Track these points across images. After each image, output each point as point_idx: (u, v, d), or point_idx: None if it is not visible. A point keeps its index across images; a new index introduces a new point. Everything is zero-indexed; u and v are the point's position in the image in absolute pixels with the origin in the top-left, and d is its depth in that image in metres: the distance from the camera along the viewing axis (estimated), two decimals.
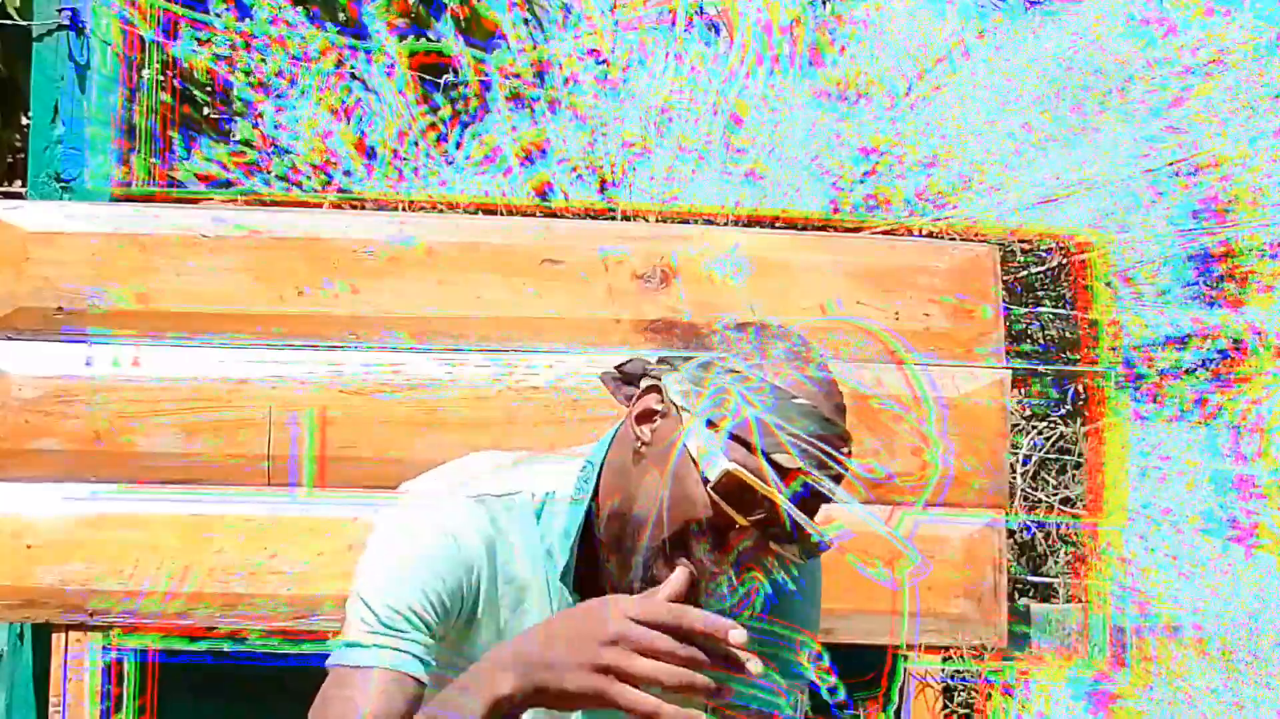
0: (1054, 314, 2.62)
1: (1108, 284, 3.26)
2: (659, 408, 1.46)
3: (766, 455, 1.37)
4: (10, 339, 2.10)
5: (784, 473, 1.37)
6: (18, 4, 2.37)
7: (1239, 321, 3.30)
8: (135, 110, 3.80)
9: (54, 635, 2.07)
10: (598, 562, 1.50)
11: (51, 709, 2.07)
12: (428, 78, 2.77)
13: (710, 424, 1.40)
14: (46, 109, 2.17)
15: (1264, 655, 2.64)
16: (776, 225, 2.31)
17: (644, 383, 1.50)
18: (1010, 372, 2.16)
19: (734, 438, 1.38)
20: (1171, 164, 3.04)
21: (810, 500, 1.39)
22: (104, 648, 2.08)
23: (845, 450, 1.41)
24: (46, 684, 2.07)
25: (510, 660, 1.34)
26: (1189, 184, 3.08)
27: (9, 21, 2.35)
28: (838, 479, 1.41)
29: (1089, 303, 3.10)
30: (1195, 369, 3.19)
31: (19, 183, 3.01)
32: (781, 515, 1.38)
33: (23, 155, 2.78)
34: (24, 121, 2.76)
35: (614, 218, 2.33)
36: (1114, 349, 3.20)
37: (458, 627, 1.50)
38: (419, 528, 1.48)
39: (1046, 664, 2.45)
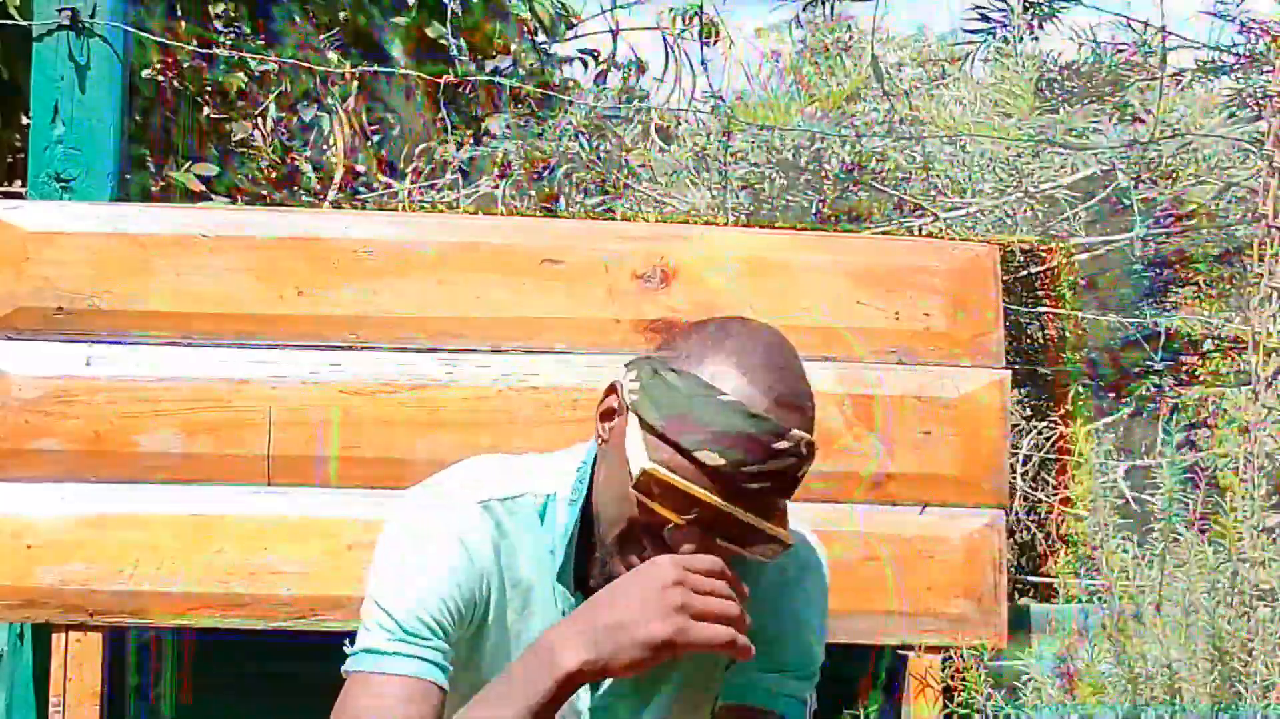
0: (1054, 314, 2.36)
1: (1073, 289, 3.07)
2: (616, 405, 1.29)
3: (689, 453, 1.20)
4: (10, 339, 1.81)
5: (709, 470, 1.20)
6: (18, 4, 2.10)
7: (1194, 324, 3.14)
8: (174, 129, 3.54)
9: (54, 635, 1.79)
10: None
11: (51, 709, 1.79)
12: (434, 78, 2.50)
13: (642, 422, 1.22)
14: (46, 109, 1.88)
15: (1216, 632, 2.43)
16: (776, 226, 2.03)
17: (610, 380, 1.32)
18: (1010, 372, 1.88)
19: (660, 436, 1.22)
20: (1136, 178, 2.84)
21: (758, 496, 1.22)
22: (142, 627, 1.84)
23: (781, 447, 1.20)
24: (46, 684, 1.80)
25: (573, 637, 1.20)
26: (1149, 195, 2.89)
27: (9, 21, 2.07)
28: (780, 475, 1.21)
29: (1058, 306, 2.90)
30: (1153, 369, 2.99)
31: (19, 183, 2.73)
32: (721, 513, 1.21)
33: (23, 155, 2.50)
34: (24, 121, 2.48)
35: (613, 218, 2.07)
36: (1078, 350, 3.01)
37: (469, 631, 1.33)
38: (433, 536, 1.31)
39: (1014, 640, 2.27)
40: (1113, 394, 2.97)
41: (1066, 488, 2.24)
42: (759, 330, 1.30)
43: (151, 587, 1.79)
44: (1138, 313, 2.96)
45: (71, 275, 1.82)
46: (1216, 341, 3.34)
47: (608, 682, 1.36)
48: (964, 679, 1.79)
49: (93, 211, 1.85)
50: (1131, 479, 2.70)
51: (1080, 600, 2.38)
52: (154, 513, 1.81)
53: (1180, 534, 2.67)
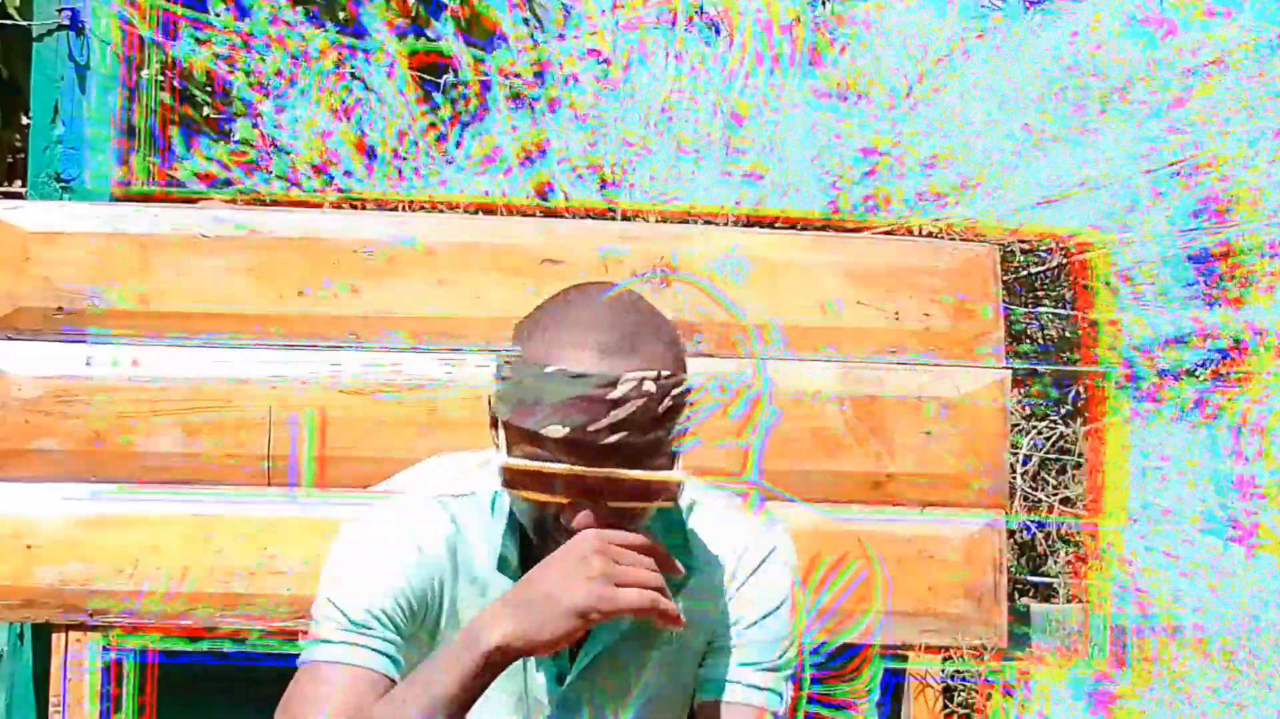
0: (1054, 314, 2.63)
1: (1108, 284, 3.27)
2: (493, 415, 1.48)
3: (537, 435, 1.36)
4: (10, 339, 2.11)
5: (560, 444, 1.35)
6: (18, 4, 2.37)
7: (1239, 321, 3.30)
8: (135, 110, 3.80)
9: (54, 635, 2.08)
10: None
11: (51, 709, 2.07)
12: (427, 78, 2.77)
13: (503, 422, 1.41)
14: (46, 109, 2.17)
15: (1264, 656, 2.64)
16: (776, 225, 2.32)
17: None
18: (1010, 372, 2.17)
19: (515, 429, 1.39)
20: (1172, 164, 3.04)
21: (620, 450, 1.35)
22: (104, 648, 2.09)
23: (618, 394, 1.34)
24: (46, 684, 2.08)
25: (500, 612, 1.36)
26: (1189, 184, 3.08)
27: (9, 21, 2.35)
28: (631, 422, 1.34)
29: (1089, 303, 3.11)
30: (1195, 369, 3.19)
31: (19, 183, 3.02)
32: (596, 479, 1.36)
33: (23, 155, 2.78)
34: (24, 121, 2.76)
35: (614, 218, 2.33)
36: (1114, 349, 3.21)
37: (427, 627, 1.54)
38: (384, 534, 1.52)
39: (1046, 664, 2.46)
40: (1150, 397, 3.19)
41: (1066, 488, 2.51)
42: (581, 291, 1.45)
43: (151, 587, 2.08)
44: (1176, 310, 3.19)
45: (71, 275, 2.10)
46: (1264, 340, 3.54)
47: (574, 674, 1.57)
48: (963, 679, 2.07)
49: (93, 211, 2.14)
50: (1171, 487, 2.93)
51: (1115, 620, 2.59)
52: (154, 513, 2.09)
53: (1224, 546, 2.90)
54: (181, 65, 4.07)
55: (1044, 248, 2.66)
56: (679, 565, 1.41)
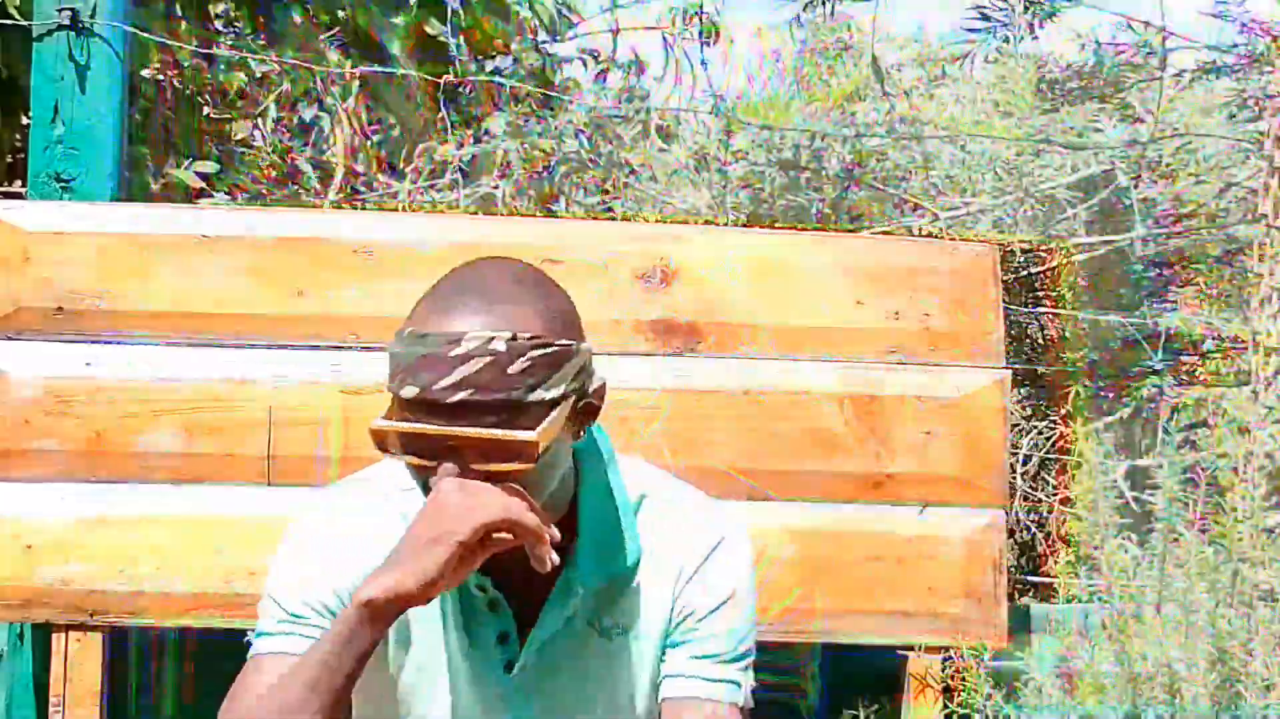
0: (1054, 314, 2.35)
1: (1071, 289, 3.07)
2: None
3: (396, 396, 1.21)
4: (10, 339, 1.81)
5: (413, 403, 1.19)
6: (18, 4, 2.09)
7: (1195, 324, 3.14)
8: (174, 126, 3.53)
9: (54, 635, 1.79)
10: None
11: (51, 709, 1.79)
12: (440, 83, 2.49)
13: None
14: (46, 109, 1.88)
15: (1216, 632, 2.42)
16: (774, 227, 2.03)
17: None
18: (1010, 372, 1.88)
19: (390, 397, 1.24)
20: (1132, 179, 2.84)
21: (470, 409, 1.18)
22: (144, 625, 1.83)
23: (460, 352, 1.18)
24: (46, 684, 1.80)
25: (378, 569, 1.22)
26: (1149, 197, 2.89)
27: (9, 21, 2.06)
28: (475, 381, 1.17)
29: (1055, 306, 2.91)
30: (1153, 369, 2.99)
31: (19, 183, 2.73)
32: (453, 439, 1.19)
33: (23, 155, 2.49)
34: (24, 121, 2.47)
35: (613, 218, 2.07)
36: (1078, 350, 3.02)
37: None
38: (326, 530, 1.35)
39: (1013, 640, 2.26)
40: (1112, 394, 2.98)
41: (1066, 488, 2.24)
42: (462, 265, 1.30)
43: (151, 587, 1.80)
44: (1138, 313, 2.97)
45: (72, 275, 1.81)
46: (1217, 342, 3.34)
47: (522, 661, 1.36)
48: (964, 679, 1.79)
49: (93, 211, 1.85)
50: (1132, 479, 2.71)
51: (1080, 600, 2.38)
52: (154, 513, 1.81)
53: (1181, 535, 2.67)
54: (220, 85, 3.80)
55: (1044, 248, 2.40)
56: (555, 531, 1.24)
